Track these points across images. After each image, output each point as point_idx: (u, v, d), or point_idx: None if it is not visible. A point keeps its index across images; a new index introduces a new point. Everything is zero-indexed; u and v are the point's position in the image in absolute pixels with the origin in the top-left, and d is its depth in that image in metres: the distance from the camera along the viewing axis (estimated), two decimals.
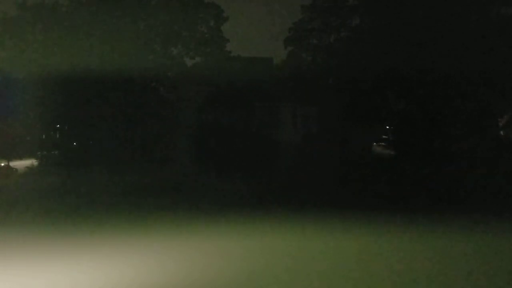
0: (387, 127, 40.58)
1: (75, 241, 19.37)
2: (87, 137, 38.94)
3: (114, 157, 35.80)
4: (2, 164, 38.68)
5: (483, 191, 29.04)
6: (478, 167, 32.64)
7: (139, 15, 39.62)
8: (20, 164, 38.73)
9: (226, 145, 36.89)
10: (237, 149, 36.65)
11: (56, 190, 31.10)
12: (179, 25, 40.80)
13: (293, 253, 18.10)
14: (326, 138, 37.56)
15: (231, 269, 16.06)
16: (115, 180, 33.05)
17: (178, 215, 24.32)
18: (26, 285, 14.47)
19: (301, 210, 25.75)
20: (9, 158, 38.97)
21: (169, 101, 40.17)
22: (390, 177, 32.79)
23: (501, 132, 39.03)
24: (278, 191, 31.11)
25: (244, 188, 31.23)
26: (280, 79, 42.60)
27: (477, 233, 20.59)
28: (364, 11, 39.68)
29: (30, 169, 38.05)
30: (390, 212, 24.96)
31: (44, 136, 40.58)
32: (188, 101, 40.91)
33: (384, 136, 41.33)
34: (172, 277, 15.20)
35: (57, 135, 40.83)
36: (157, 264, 16.52)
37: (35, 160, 38.74)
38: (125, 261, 16.79)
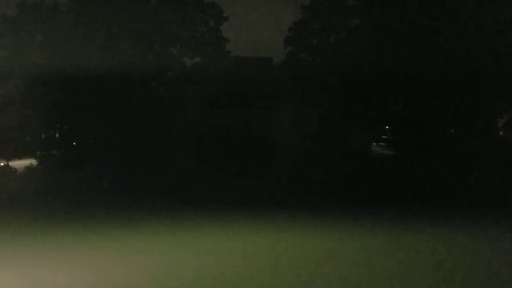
0: (387, 127, 40.62)
1: (74, 241, 19.36)
2: (87, 137, 38.95)
3: (113, 157, 35.83)
4: (2, 164, 38.63)
5: (483, 191, 29.07)
6: (478, 167, 32.68)
7: (139, 15, 39.62)
8: (19, 164, 38.71)
9: (225, 145, 36.93)
10: (236, 149, 36.68)
11: (56, 190, 31.12)
12: (178, 25, 40.83)
13: (294, 253, 18.08)
14: (325, 138, 37.57)
15: (230, 269, 16.04)
16: (114, 180, 33.13)
17: (177, 215, 24.32)
18: (26, 284, 14.44)
19: (301, 210, 25.76)
20: (8, 158, 38.91)
21: (168, 101, 40.16)
22: (389, 177, 32.81)
23: (501, 132, 39.04)
24: (278, 191, 31.14)
25: (244, 187, 31.27)
26: (280, 79, 42.57)
27: (477, 233, 20.56)
28: (364, 11, 39.68)
29: (29, 169, 38.04)
30: (388, 212, 25.01)
31: (43, 136, 40.58)
32: (188, 101, 40.93)
33: (383, 136, 41.37)
34: (169, 277, 15.18)
35: (57, 135, 40.83)
36: (154, 264, 16.51)
37: (35, 160, 38.72)
38: (121, 261, 16.76)
